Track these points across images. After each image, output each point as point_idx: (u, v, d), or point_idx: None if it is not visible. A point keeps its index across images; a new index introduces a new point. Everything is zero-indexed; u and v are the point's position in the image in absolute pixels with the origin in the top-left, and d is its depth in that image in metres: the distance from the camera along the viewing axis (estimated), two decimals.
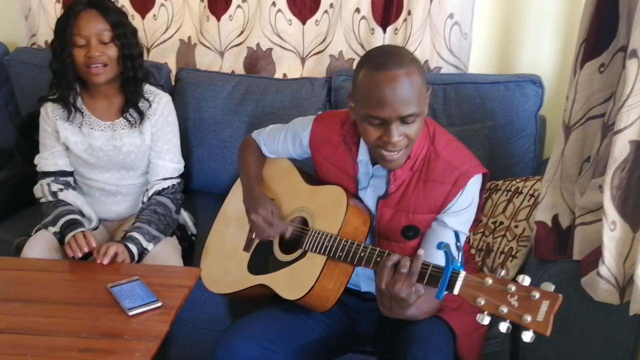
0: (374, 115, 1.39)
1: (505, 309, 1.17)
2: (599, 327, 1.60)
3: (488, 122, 2.06)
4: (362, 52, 2.36)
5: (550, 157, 1.66)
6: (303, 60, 2.47)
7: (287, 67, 2.51)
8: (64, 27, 1.78)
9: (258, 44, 2.49)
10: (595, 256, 1.54)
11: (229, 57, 2.55)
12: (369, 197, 1.60)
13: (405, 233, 1.56)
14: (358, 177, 1.60)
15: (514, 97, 2.08)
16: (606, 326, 1.59)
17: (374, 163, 1.56)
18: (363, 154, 1.57)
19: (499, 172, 2.04)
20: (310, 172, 1.78)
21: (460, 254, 1.27)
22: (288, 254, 1.63)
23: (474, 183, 1.52)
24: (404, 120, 1.38)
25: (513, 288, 1.18)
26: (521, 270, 1.81)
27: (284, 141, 1.76)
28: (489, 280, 1.21)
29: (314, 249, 1.54)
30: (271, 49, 2.49)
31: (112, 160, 1.91)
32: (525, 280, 1.19)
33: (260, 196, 1.70)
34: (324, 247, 1.52)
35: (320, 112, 1.74)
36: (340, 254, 1.49)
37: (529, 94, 2.08)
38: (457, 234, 1.28)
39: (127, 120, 1.89)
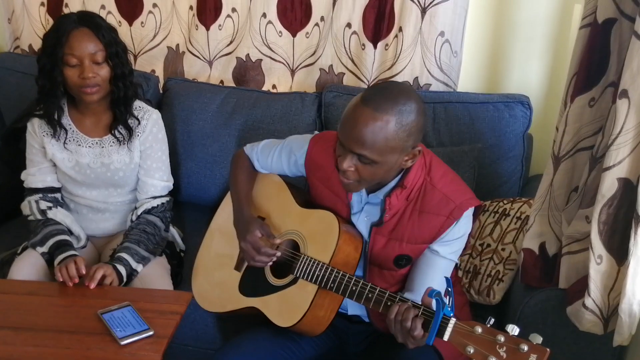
0: (339, 134, 1.43)
1: None
2: (581, 354, 1.63)
3: (477, 143, 2.08)
4: (352, 67, 2.36)
5: (539, 187, 1.69)
6: (293, 72, 2.46)
7: (276, 78, 2.49)
8: (54, 45, 1.74)
9: (247, 55, 2.47)
10: (580, 285, 1.57)
11: (218, 66, 2.53)
12: (362, 222, 1.60)
13: (397, 262, 1.57)
14: (351, 203, 1.60)
15: (503, 117, 2.10)
16: (589, 353, 1.63)
17: (369, 191, 1.57)
18: None
19: (487, 193, 2.06)
20: (301, 187, 1.79)
21: (451, 299, 1.28)
22: (280, 277, 1.63)
23: (468, 215, 1.54)
24: (359, 157, 1.40)
25: (502, 339, 1.20)
26: (507, 294, 1.85)
27: (278, 158, 1.76)
28: (479, 329, 1.23)
29: (306, 276, 1.55)
30: (261, 59, 2.47)
31: (100, 177, 1.89)
32: (514, 330, 1.21)
33: (250, 220, 1.69)
34: (315, 275, 1.53)
35: (316, 132, 1.74)
36: (332, 285, 1.50)
37: (518, 115, 2.10)
38: (448, 281, 1.30)
39: (116, 138, 1.87)
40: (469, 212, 1.54)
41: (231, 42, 2.49)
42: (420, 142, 1.46)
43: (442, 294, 1.28)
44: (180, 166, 2.29)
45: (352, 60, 2.36)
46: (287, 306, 1.58)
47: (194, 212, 2.30)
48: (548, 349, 1.17)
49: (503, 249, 1.89)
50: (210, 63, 2.53)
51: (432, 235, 1.53)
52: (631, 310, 1.43)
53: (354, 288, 1.46)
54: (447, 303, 1.29)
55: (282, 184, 1.79)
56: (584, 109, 1.56)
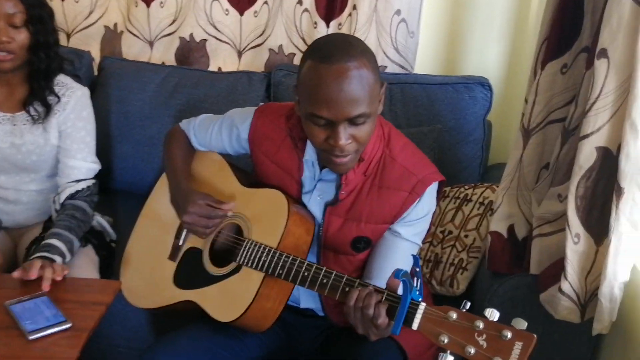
0: (319, 114, 1.17)
1: (472, 350, 0.97)
2: (555, 345, 1.44)
3: (436, 124, 1.88)
4: (304, 47, 2.14)
5: (507, 163, 1.50)
6: (240, 53, 2.22)
7: (222, 60, 2.25)
8: None
9: (191, 35, 2.22)
10: (554, 270, 1.38)
11: (159, 47, 2.27)
12: (315, 202, 1.37)
13: (355, 245, 1.35)
14: (303, 179, 1.37)
15: (463, 99, 1.91)
16: (563, 344, 1.43)
17: (322, 166, 1.34)
18: (310, 154, 1.34)
19: (447, 178, 1.85)
20: (246, 168, 1.54)
21: (419, 281, 1.07)
22: (220, 266, 1.38)
23: (432, 191, 1.33)
24: (352, 121, 1.17)
25: (481, 325, 0.98)
26: (472, 284, 1.64)
27: (218, 133, 1.50)
28: (453, 315, 1.01)
29: (250, 263, 1.31)
30: (205, 40, 2.22)
31: (9, 159, 1.59)
32: (494, 315, 1.00)
33: (190, 191, 1.43)
34: (261, 262, 1.29)
35: (261, 104, 1.50)
36: (281, 271, 1.26)
37: (478, 97, 1.92)
38: (416, 259, 1.08)
39: (30, 115, 1.57)
40: (433, 187, 1.33)
41: (174, 21, 2.23)
42: None
43: (409, 274, 1.06)
44: (114, 149, 2.01)
45: (304, 40, 2.13)
46: (229, 298, 1.33)
47: (129, 201, 1.99)
48: (534, 335, 0.96)
49: (466, 236, 1.69)
50: (151, 44, 2.26)
51: (393, 214, 1.31)
52: (612, 294, 1.25)
53: (305, 274, 1.23)
54: (415, 285, 1.07)
55: (223, 163, 1.53)
56: (555, 76, 1.38)
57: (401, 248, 1.35)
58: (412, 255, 1.09)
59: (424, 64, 2.09)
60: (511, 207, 1.50)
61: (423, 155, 1.37)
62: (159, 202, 1.56)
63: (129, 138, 2.01)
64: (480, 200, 1.74)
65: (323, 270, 1.20)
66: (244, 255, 1.32)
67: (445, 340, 1.00)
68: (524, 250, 1.49)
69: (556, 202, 1.41)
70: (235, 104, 1.96)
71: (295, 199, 1.39)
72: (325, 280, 1.19)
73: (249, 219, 1.38)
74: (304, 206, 1.39)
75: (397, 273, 1.05)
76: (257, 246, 1.31)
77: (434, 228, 1.74)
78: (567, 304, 1.31)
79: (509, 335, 0.96)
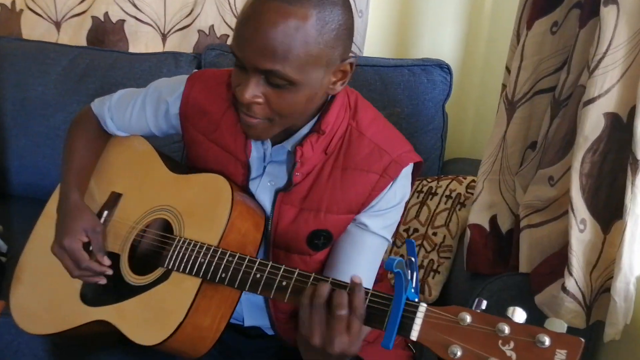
0: (232, 49, 0.90)
1: None
2: None
3: (395, 108, 1.63)
4: None
5: (487, 144, 1.25)
6: (164, 36, 1.89)
7: (143, 44, 1.90)
8: None
9: (106, 14, 1.86)
10: (549, 267, 1.14)
11: (68, 29, 1.89)
12: (264, 189, 1.06)
13: (312, 241, 1.04)
14: (250, 161, 1.06)
15: (421, 82, 1.67)
16: None
17: (274, 141, 1.04)
18: None
19: None
20: (178, 159, 1.21)
21: (416, 275, 0.78)
22: (143, 274, 1.04)
23: (407, 174, 1.05)
24: (268, 78, 0.89)
25: (506, 329, 0.70)
26: (446, 288, 1.38)
27: (141, 111, 1.16)
28: (467, 317, 0.73)
29: (182, 267, 0.97)
30: (123, 20, 1.87)
31: None
32: (518, 315, 0.73)
33: (76, 213, 1.09)
34: (197, 264, 0.95)
35: (195, 70, 1.17)
36: (223, 275, 0.93)
37: (436, 81, 1.68)
38: (410, 244, 0.79)
39: None
40: (408, 169, 1.05)
41: None
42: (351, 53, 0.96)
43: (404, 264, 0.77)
44: (9, 144, 1.62)
45: None
46: (154, 314, 0.99)
47: (26, 207, 1.60)
48: (582, 340, 0.70)
49: (434, 234, 1.43)
50: (57, 24, 1.88)
51: (360, 201, 1.02)
52: (627, 291, 1.02)
53: (257, 275, 0.90)
54: (411, 280, 0.78)
55: (148, 147, 1.19)
56: (544, 36, 1.15)
57: (368, 244, 1.05)
58: (407, 240, 0.80)
59: (373, 46, 1.84)
60: (493, 194, 1.25)
61: (396, 130, 1.10)
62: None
63: (27, 131, 1.63)
64: (447, 193, 1.49)
65: (282, 270, 0.89)
66: (173, 258, 0.98)
67: (459, 354, 0.71)
68: (509, 246, 1.24)
69: (546, 186, 1.17)
70: None
71: (240, 187, 1.07)
72: (285, 283, 0.88)
73: (180, 212, 1.05)
74: (252, 196, 1.07)
75: (389, 262, 0.75)
76: (192, 245, 0.98)
77: None
78: (572, 305, 1.06)
79: (547, 341, 0.69)
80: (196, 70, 1.18)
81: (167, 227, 1.06)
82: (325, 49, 0.88)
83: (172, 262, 0.99)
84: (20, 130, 1.61)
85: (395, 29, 1.87)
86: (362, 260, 1.04)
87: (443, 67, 1.69)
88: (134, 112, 1.17)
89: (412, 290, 0.78)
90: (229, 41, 1.83)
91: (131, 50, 1.88)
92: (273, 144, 1.04)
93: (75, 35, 1.89)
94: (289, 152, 1.04)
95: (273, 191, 1.05)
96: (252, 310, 1.13)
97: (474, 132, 1.91)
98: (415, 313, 0.76)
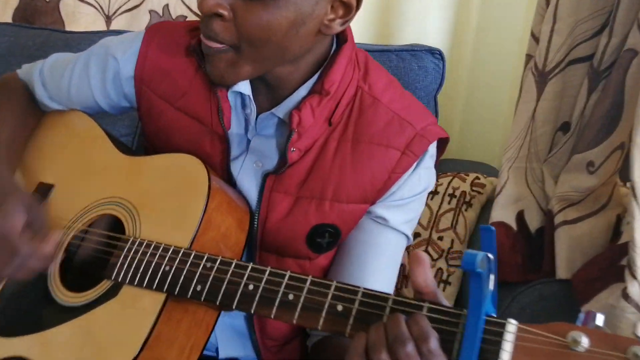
0: None
1: None
2: None
3: None
4: (196, 7, 1.57)
5: (512, 125, 1.03)
6: (108, 18, 1.60)
7: (83, 28, 1.58)
8: None
9: None
10: (596, 271, 0.92)
11: None
12: (248, 173, 0.80)
13: (314, 240, 0.79)
14: (229, 135, 0.79)
15: (411, 69, 1.44)
16: None
17: (260, 107, 0.78)
18: (241, 85, 0.77)
19: None
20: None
21: (495, 279, 0.54)
22: (80, 290, 0.74)
23: (433, 153, 0.82)
24: None
25: None
26: (459, 302, 1.14)
27: (83, 74, 0.88)
28: (582, 339, 0.49)
29: (137, 279, 0.69)
30: (58, 0, 1.57)
31: None
32: None
33: (8, 191, 0.78)
34: (160, 274, 0.68)
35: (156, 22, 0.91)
36: (199, 287, 0.66)
37: (428, 68, 1.45)
38: (489, 232, 0.54)
39: None
40: (434, 147, 0.82)
41: None
42: None
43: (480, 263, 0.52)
44: None
45: None
46: (94, 346, 0.69)
47: None
48: None
49: (440, 238, 1.19)
50: None
51: (378, 186, 0.78)
52: None
53: (250, 286, 0.63)
54: (491, 288, 0.54)
55: (90, 123, 0.90)
56: None
57: (388, 243, 0.81)
58: (484, 226, 0.55)
59: (354, 32, 1.61)
60: (519, 186, 1.03)
61: (415, 98, 0.86)
62: None
63: None
64: (450, 191, 1.26)
65: (286, 277, 0.62)
66: (125, 267, 0.70)
67: None
68: (540, 247, 1.02)
69: (584, 174, 0.96)
70: None
71: (218, 171, 0.80)
72: (292, 296, 0.61)
73: (135, 205, 0.76)
74: (232, 183, 0.80)
75: (469, 258, 0.50)
76: (152, 247, 0.70)
77: None
78: (634, 317, 0.85)
79: None
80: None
81: (116, 225, 0.78)
82: None
83: (122, 272, 0.70)
84: None
85: (377, 14, 1.65)
86: (380, 265, 0.79)
87: (435, 53, 1.47)
88: (73, 77, 0.88)
89: (492, 305, 0.54)
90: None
91: None
92: (259, 112, 0.78)
93: None
94: (281, 122, 0.78)
95: (260, 175, 0.80)
96: (230, 337, 0.85)
97: (462, 130, 1.71)
98: (501, 334, 0.51)
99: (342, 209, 0.78)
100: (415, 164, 0.79)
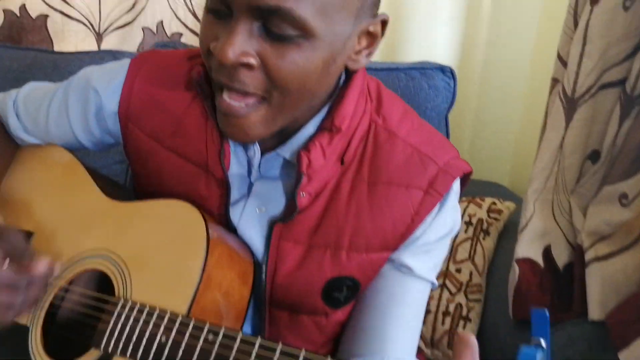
0: None
1: None
2: None
3: None
4: (193, 23, 1.49)
5: (538, 154, 0.95)
6: (99, 36, 1.51)
7: (72, 46, 1.52)
8: None
9: (23, 7, 1.47)
10: (633, 312, 0.84)
11: None
12: (251, 219, 0.71)
13: (331, 294, 0.70)
14: (229, 176, 0.71)
15: (421, 88, 1.36)
16: None
17: (265, 147, 0.69)
18: None
19: None
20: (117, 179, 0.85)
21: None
22: (64, 357, 0.65)
23: (457, 191, 0.73)
24: (268, 24, 0.56)
25: None
26: (480, 339, 1.05)
27: (62, 108, 0.79)
28: None
29: (130, 350, 0.60)
30: (46, 16, 1.49)
31: None
32: None
33: None
34: (155, 347, 0.59)
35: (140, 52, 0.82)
36: None
37: (439, 86, 1.38)
38: (542, 317, 0.46)
39: None
40: (458, 183, 0.74)
41: None
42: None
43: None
44: None
45: (194, 14, 1.48)
46: None
47: None
48: None
49: (458, 270, 1.11)
50: None
51: (400, 231, 0.69)
52: None
53: None
54: None
55: (70, 160, 0.81)
56: (615, 13, 0.87)
57: (413, 294, 0.73)
58: (535, 310, 0.47)
59: None
60: (546, 219, 0.95)
61: (434, 128, 0.78)
62: None
63: None
64: (466, 219, 1.18)
65: (301, 356, 0.53)
66: (115, 335, 0.61)
67: None
68: (569, 284, 0.93)
69: (616, 206, 0.88)
70: None
71: (217, 216, 0.72)
72: None
73: (125, 261, 0.68)
74: (233, 230, 0.72)
75: (528, 355, 0.42)
76: (145, 313, 0.61)
77: None
78: None
79: None
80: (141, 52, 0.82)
81: (103, 283, 0.69)
82: None
83: (112, 341, 0.61)
84: None
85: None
86: (405, 316, 0.71)
87: (445, 71, 1.40)
88: (51, 111, 0.79)
89: None
90: (184, 40, 1.48)
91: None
92: (262, 151, 0.70)
93: None
94: (287, 162, 0.69)
95: (265, 222, 0.71)
96: None
97: (472, 149, 1.64)
98: None
99: (361, 259, 0.69)
100: (439, 203, 0.70)
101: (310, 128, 0.68)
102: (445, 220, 0.72)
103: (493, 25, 1.55)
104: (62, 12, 1.49)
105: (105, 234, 0.71)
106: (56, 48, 1.50)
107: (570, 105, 0.91)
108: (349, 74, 0.70)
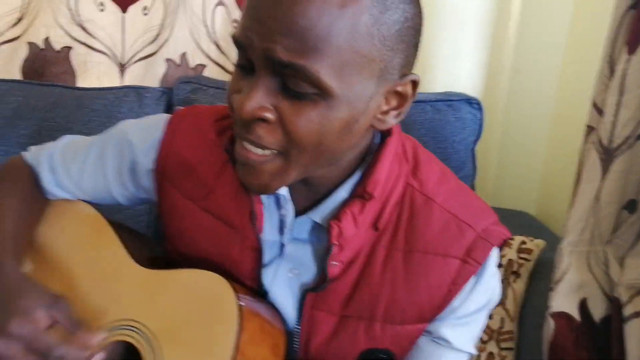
0: (236, 35, 0.58)
1: None
2: None
3: None
4: (217, 55, 1.48)
5: (573, 206, 0.93)
6: (123, 67, 1.51)
7: (95, 78, 1.51)
8: None
9: (47, 40, 1.48)
10: None
11: None
12: (283, 283, 0.71)
13: None
14: (261, 239, 0.69)
15: (448, 121, 1.34)
16: None
17: (299, 210, 0.68)
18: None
19: None
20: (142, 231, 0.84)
21: None
22: None
23: (496, 257, 0.71)
24: (286, 81, 0.55)
25: None
26: None
27: (98, 164, 0.79)
28: None
29: None
30: (69, 48, 1.49)
31: None
32: None
33: (22, 286, 0.68)
34: None
35: (178, 108, 0.81)
36: None
37: (466, 119, 1.36)
38: None
39: None
40: (497, 250, 0.72)
41: (19, 21, 1.47)
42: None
43: None
44: None
45: (218, 46, 1.47)
46: None
47: None
48: None
49: (489, 317, 1.08)
50: None
51: (436, 303, 0.68)
52: None
53: None
54: None
55: (100, 223, 0.81)
56: None
57: None
58: None
59: None
60: (582, 272, 0.92)
61: (471, 191, 0.76)
62: None
63: None
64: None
65: None
66: None
67: None
68: (607, 338, 0.91)
69: None
70: None
71: (246, 286, 0.71)
72: None
73: (155, 334, 0.67)
74: (264, 292, 0.71)
75: None
76: None
77: None
78: None
79: None
80: (179, 108, 0.81)
81: (132, 355, 0.68)
82: (381, 49, 0.55)
83: None
84: None
85: None
86: None
87: (472, 103, 1.38)
88: (87, 164, 0.79)
89: None
90: (207, 71, 1.47)
91: (80, 84, 1.50)
92: (298, 212, 0.69)
93: (6, 66, 1.50)
94: (318, 226, 0.68)
95: (297, 287, 0.70)
96: None
97: (499, 177, 1.61)
98: None
99: (396, 332, 0.68)
100: (479, 272, 0.68)
101: (342, 192, 0.67)
102: (485, 290, 0.70)
103: (518, 51, 1.53)
104: (85, 44, 1.49)
105: (134, 304, 0.70)
106: (79, 79, 1.50)
107: (607, 156, 0.88)
108: (384, 134, 0.69)
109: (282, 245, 0.70)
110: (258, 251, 0.70)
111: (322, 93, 0.55)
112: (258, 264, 0.70)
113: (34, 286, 0.69)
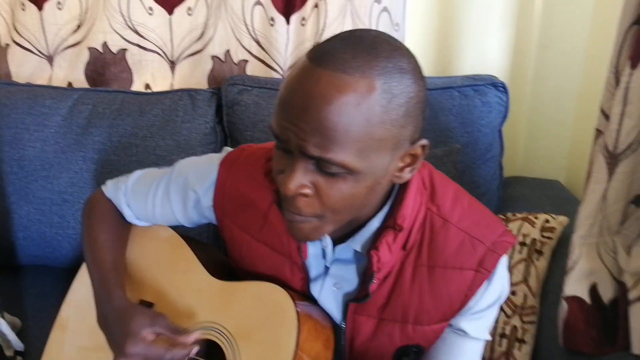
0: (274, 130, 0.71)
1: None
2: None
3: (448, 142, 1.41)
4: (257, 51, 1.60)
5: (583, 203, 1.04)
6: (173, 64, 1.65)
7: (149, 75, 1.67)
8: None
9: (105, 44, 1.63)
10: None
11: (62, 63, 1.65)
12: (329, 294, 0.87)
13: (400, 358, 0.85)
14: (307, 262, 0.86)
15: (475, 106, 1.45)
16: None
17: (337, 238, 0.84)
18: None
19: None
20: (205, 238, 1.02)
21: None
22: None
23: (504, 263, 0.86)
24: (319, 164, 0.69)
25: None
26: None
27: (165, 200, 0.96)
28: None
29: None
30: (125, 49, 1.63)
31: None
32: None
33: (128, 312, 0.87)
34: None
35: (227, 149, 0.96)
36: None
37: (492, 102, 1.46)
38: None
39: None
40: (505, 257, 0.86)
41: (79, 27, 1.62)
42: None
43: None
44: (12, 213, 1.40)
45: (258, 42, 1.59)
46: None
47: (40, 280, 1.41)
48: None
49: (513, 293, 1.23)
50: (49, 58, 1.65)
51: (456, 306, 0.83)
52: None
53: None
54: None
55: (178, 241, 0.99)
56: None
57: (468, 351, 0.87)
58: None
59: None
60: (592, 261, 1.05)
61: (481, 206, 0.89)
62: (83, 304, 0.99)
63: (28, 197, 1.40)
64: (520, 239, 1.29)
65: None
66: None
67: None
68: (615, 319, 1.04)
69: None
70: (178, 135, 1.43)
71: (299, 293, 0.87)
72: None
73: (233, 334, 0.85)
74: (313, 301, 0.88)
75: None
76: None
77: None
78: None
79: None
80: (228, 149, 0.95)
81: (213, 352, 0.87)
82: (392, 129, 0.68)
83: None
84: (21, 196, 1.40)
85: (435, 41, 1.63)
86: None
87: (498, 85, 1.47)
88: (156, 201, 0.96)
89: None
90: (249, 69, 1.60)
91: (136, 82, 1.66)
92: (335, 242, 0.84)
93: (71, 69, 1.66)
94: (357, 252, 0.84)
95: (341, 297, 0.86)
96: None
97: (527, 149, 1.70)
98: None
99: (425, 331, 0.84)
100: (488, 279, 0.83)
101: (375, 222, 0.81)
102: (495, 290, 0.84)
103: (544, 28, 1.58)
104: (138, 45, 1.63)
105: (213, 309, 0.88)
106: (135, 77, 1.65)
107: (612, 159, 0.99)
108: None
109: (326, 267, 0.87)
110: (305, 272, 0.87)
111: (349, 172, 0.69)
112: (306, 281, 0.87)
113: (137, 310, 0.88)
